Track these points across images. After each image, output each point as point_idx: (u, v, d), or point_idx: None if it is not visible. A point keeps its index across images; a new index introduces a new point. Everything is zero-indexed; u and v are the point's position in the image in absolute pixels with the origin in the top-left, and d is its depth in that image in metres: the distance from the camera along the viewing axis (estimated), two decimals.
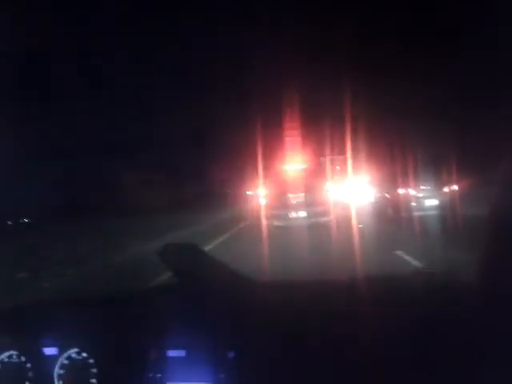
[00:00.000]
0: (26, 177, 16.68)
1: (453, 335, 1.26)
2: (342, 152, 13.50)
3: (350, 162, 13.74)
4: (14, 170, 15.00)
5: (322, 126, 11.78)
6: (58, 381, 1.51)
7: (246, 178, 20.19)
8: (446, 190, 13.55)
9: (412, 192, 13.98)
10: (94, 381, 1.48)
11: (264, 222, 12.97)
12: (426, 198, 13.66)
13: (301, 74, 9.10)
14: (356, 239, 8.87)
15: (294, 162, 13.93)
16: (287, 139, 13.93)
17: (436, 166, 13.37)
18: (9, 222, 18.26)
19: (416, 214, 13.03)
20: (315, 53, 7.80)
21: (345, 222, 12.02)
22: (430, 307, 1.37)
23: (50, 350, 1.54)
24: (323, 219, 12.50)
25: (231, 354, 1.36)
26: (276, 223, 12.85)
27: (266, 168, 13.65)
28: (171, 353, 1.42)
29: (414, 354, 1.25)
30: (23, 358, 1.55)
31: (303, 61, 8.32)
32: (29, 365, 1.54)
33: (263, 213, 13.26)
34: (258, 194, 14.53)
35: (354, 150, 13.28)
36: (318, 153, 14.09)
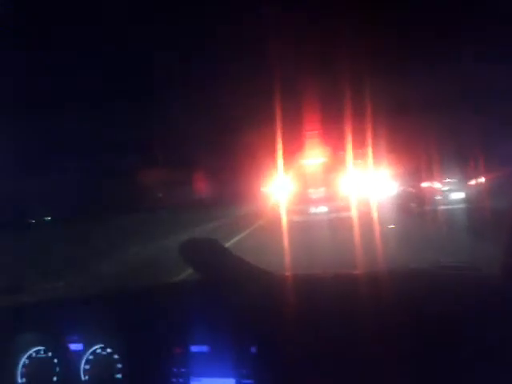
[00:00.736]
0: (43, 174, 16.87)
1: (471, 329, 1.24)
2: (363, 145, 13.08)
3: (371, 155, 13.34)
4: (30, 168, 15.28)
5: (341, 119, 11.48)
6: (84, 376, 1.54)
7: (261, 174, 19.95)
8: (472, 182, 13.24)
9: (437, 185, 13.71)
10: (118, 376, 1.50)
11: (284, 218, 12.56)
12: (451, 191, 13.38)
13: (319, 66, 8.96)
14: (379, 235, 8.67)
15: (313, 156, 13.56)
16: (306, 133, 13.53)
17: (461, 158, 13.10)
18: (32, 221, 18.58)
19: (442, 207, 12.79)
20: (334, 44, 7.68)
21: (366, 216, 11.51)
22: (452, 303, 1.34)
23: (75, 346, 1.57)
24: (344, 214, 12.09)
25: (253, 349, 1.36)
26: (296, 219, 12.50)
27: (284, 163, 13.19)
28: (194, 348, 1.43)
29: (440, 352, 1.22)
30: (50, 354, 1.59)
31: (322, 53, 8.20)
32: (56, 360, 1.57)
33: (282, 209, 12.95)
34: (276, 190, 14.21)
35: (376, 143, 12.93)
36: (338, 146, 13.56)
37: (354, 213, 11.99)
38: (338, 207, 12.37)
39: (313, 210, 12.65)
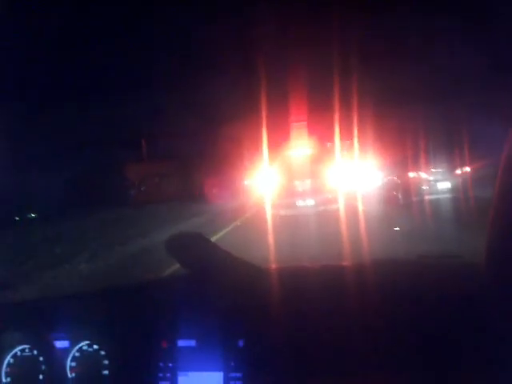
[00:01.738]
0: (31, 170, 16.68)
1: (456, 316, 1.25)
2: (349, 136, 12.82)
3: (357, 146, 13.14)
4: (19, 165, 15.10)
5: (327, 109, 11.35)
6: (71, 373, 1.52)
7: (245, 167, 19.48)
8: (458, 172, 13.35)
9: (423, 175, 13.79)
10: (105, 372, 1.49)
11: (269, 211, 12.03)
12: (438, 181, 13.46)
13: (305, 56, 8.89)
14: (366, 227, 8.63)
15: (298, 146, 13.01)
16: (291, 123, 13.07)
17: (447, 148, 13.18)
18: (16, 218, 18.36)
19: (428, 197, 12.87)
20: (321, 36, 7.64)
21: (353, 209, 11.34)
22: (436, 290, 1.35)
23: (61, 343, 1.55)
24: (332, 207, 11.75)
25: (241, 343, 1.36)
26: (282, 212, 12.00)
27: (269, 154, 12.59)
28: (181, 342, 1.43)
29: (424, 340, 1.23)
30: (36, 352, 1.57)
31: (308, 44, 8.14)
32: (41, 358, 1.55)
33: (268, 202, 12.40)
34: (261, 183, 13.53)
35: (362, 133, 12.77)
36: (324, 137, 13.29)
37: (341, 205, 11.68)
38: (326, 200, 12.01)
39: (299, 203, 12.20)
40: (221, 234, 10.33)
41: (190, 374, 1.40)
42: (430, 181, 13.59)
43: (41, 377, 1.54)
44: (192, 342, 1.42)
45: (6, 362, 1.58)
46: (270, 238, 8.04)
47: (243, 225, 12.47)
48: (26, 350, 1.58)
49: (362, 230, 8.30)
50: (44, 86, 9.61)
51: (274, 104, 11.14)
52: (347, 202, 11.76)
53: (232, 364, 1.35)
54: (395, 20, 7.26)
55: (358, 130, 12.10)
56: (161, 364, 1.42)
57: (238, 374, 1.34)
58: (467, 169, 13.06)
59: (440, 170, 13.53)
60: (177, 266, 1.62)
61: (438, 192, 13.17)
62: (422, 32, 7.97)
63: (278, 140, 12.90)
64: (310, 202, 12.10)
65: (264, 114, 10.37)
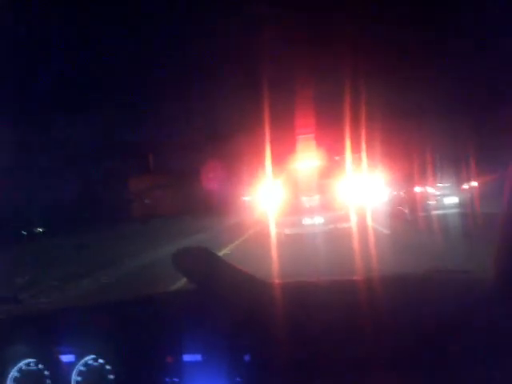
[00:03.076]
0: (33, 186, 16.79)
1: (467, 331, 1.23)
2: (357, 150, 12.41)
3: (365, 160, 12.83)
4: (25, 179, 15.22)
5: (334, 122, 11.26)
6: None
7: (245, 182, 18.90)
8: (465, 187, 13.27)
9: (430, 190, 13.72)
10: None
11: (273, 230, 11.20)
12: (444, 195, 13.37)
13: (314, 68, 8.89)
14: (375, 243, 8.39)
15: (305, 160, 11.91)
16: (298, 136, 12.42)
17: (454, 163, 13.12)
18: (23, 232, 18.44)
19: (435, 212, 12.79)
20: (329, 48, 7.68)
21: (364, 226, 10.83)
22: (444, 305, 1.34)
23: (67, 357, 1.54)
24: (342, 225, 10.73)
25: (247, 358, 1.35)
26: (287, 231, 11.12)
27: (274, 168, 11.70)
28: (187, 357, 1.42)
29: (432, 355, 1.22)
30: (41, 366, 1.56)
31: (316, 56, 8.16)
32: (47, 372, 1.55)
33: (272, 219, 11.42)
34: (264, 199, 12.41)
35: (369, 147, 12.56)
36: (331, 151, 12.46)
37: (353, 224, 10.73)
38: (336, 217, 10.89)
39: (307, 221, 11.07)
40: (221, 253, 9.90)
41: None
42: (436, 196, 13.50)
43: None
44: (198, 357, 1.41)
45: (10, 376, 1.58)
46: (274, 260, 7.58)
47: (244, 244, 11.72)
48: (32, 364, 1.58)
49: (371, 246, 8.01)
50: (51, 101, 9.73)
51: (280, 116, 11.04)
52: (358, 219, 11.02)
53: (238, 379, 1.34)
54: (405, 34, 7.30)
55: (365, 143, 11.86)
56: (166, 379, 1.41)
57: None
58: (474, 183, 12.99)
59: (447, 185, 13.44)
60: (183, 280, 1.61)
61: (444, 207, 13.08)
62: (431, 46, 8.01)
63: (284, 153, 12.25)
64: (319, 219, 11.02)
65: (269, 125, 10.24)
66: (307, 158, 11.93)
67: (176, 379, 1.40)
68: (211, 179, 20.60)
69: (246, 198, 21.20)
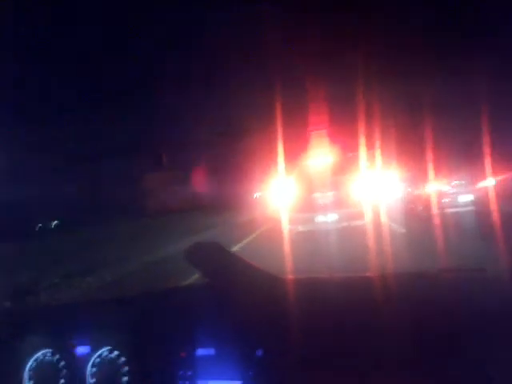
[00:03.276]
0: (52, 179, 16.96)
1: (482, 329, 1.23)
2: (371, 146, 12.15)
3: (379, 157, 12.58)
4: (39, 174, 15.39)
5: (348, 118, 11.08)
6: (91, 378, 1.54)
7: (256, 178, 18.66)
8: (480, 184, 13.08)
9: (444, 188, 13.56)
10: (125, 378, 1.50)
11: (285, 227, 10.95)
12: (459, 193, 13.21)
13: (326, 61, 8.77)
14: (389, 241, 8.23)
15: (319, 156, 11.70)
16: (311, 131, 12.17)
17: (470, 160, 12.94)
18: (39, 225, 18.67)
19: (449, 210, 12.65)
20: (343, 43, 7.60)
21: (378, 223, 10.38)
22: (458, 304, 1.34)
23: (82, 349, 1.57)
24: (356, 223, 10.49)
25: (259, 352, 1.36)
26: (300, 228, 10.90)
27: (286, 164, 11.46)
28: (200, 351, 1.43)
29: (445, 355, 1.22)
30: (57, 357, 1.59)
31: (329, 51, 8.06)
32: (62, 363, 1.58)
33: (284, 216, 11.18)
34: (275, 195, 12.19)
35: (383, 143, 12.32)
36: (345, 147, 12.04)
37: (368, 221, 10.44)
38: (350, 215, 10.67)
39: (320, 218, 10.88)
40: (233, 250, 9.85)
41: (209, 382, 1.41)
42: (451, 193, 13.34)
43: (62, 381, 1.56)
44: (211, 351, 1.42)
45: (28, 366, 1.61)
46: (286, 259, 7.44)
47: (254, 243, 11.55)
48: (48, 355, 1.61)
49: (386, 245, 7.87)
50: (66, 97, 9.83)
51: (293, 111, 10.90)
52: (372, 216, 10.70)
53: (250, 373, 1.35)
54: (420, 31, 7.22)
55: (379, 140, 11.67)
56: (180, 372, 1.43)
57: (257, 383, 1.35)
58: (490, 181, 12.79)
59: (462, 182, 13.28)
60: (196, 276, 1.63)
61: (459, 205, 12.92)
62: (446, 42, 7.91)
63: (296, 149, 12.02)
64: (333, 217, 10.82)
65: (282, 121, 10.11)
66: (320, 154, 11.71)
67: (189, 372, 1.42)
68: (223, 176, 20.57)
69: (257, 195, 21.08)
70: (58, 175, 17.10)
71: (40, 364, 1.61)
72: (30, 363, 1.62)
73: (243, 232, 13.11)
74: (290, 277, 1.76)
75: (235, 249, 9.67)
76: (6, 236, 12.84)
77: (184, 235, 11.43)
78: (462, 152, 13.16)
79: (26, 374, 1.62)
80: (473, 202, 12.74)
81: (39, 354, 1.62)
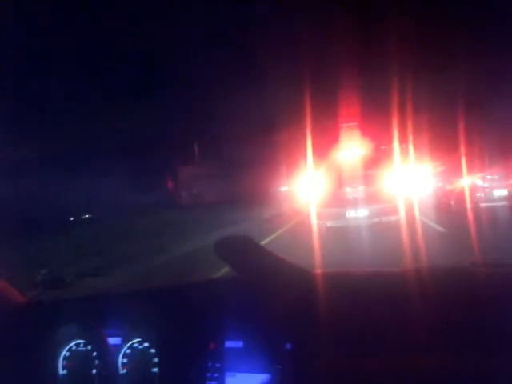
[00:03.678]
0: (83, 174, 17.33)
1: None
2: (404, 140, 11.68)
3: (412, 151, 12.18)
4: (75, 167, 15.76)
5: (379, 110, 10.89)
6: (122, 369, 1.57)
7: (288, 172, 18.44)
8: None
9: (478, 182, 13.27)
10: (155, 369, 1.53)
11: (314, 222, 10.63)
12: (493, 188, 12.91)
13: (359, 56, 8.66)
14: (421, 235, 8.02)
15: (349, 149, 11.29)
16: (342, 124, 11.71)
17: (504, 154, 12.65)
18: (71, 218, 19.06)
19: (483, 205, 12.39)
20: (376, 35, 7.50)
21: (412, 219, 10.09)
22: (491, 300, 1.30)
23: (114, 340, 1.60)
24: (389, 218, 10.09)
25: (288, 346, 1.35)
26: (330, 224, 10.61)
27: (316, 157, 11.09)
28: (229, 344, 1.44)
29: (477, 352, 1.19)
30: (89, 347, 1.63)
31: (362, 44, 7.97)
32: (95, 353, 1.61)
33: (312, 211, 10.83)
34: (304, 189, 11.75)
35: (416, 137, 11.95)
36: (376, 140, 11.64)
37: (402, 217, 10.02)
38: (382, 210, 10.28)
39: (350, 213, 10.56)
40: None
41: (238, 374, 1.41)
42: (485, 188, 13.05)
43: (94, 371, 1.60)
44: (240, 344, 1.43)
45: (62, 355, 1.66)
46: (316, 255, 7.24)
47: (282, 237, 11.44)
48: (81, 345, 1.65)
49: (420, 241, 7.66)
50: (103, 89, 10.04)
51: (325, 104, 10.75)
52: (406, 212, 10.33)
53: (279, 366, 1.35)
54: (460, 26, 7.08)
55: (412, 133, 11.33)
56: (209, 364, 1.44)
57: (285, 377, 1.34)
58: None
59: (496, 177, 12.98)
60: (226, 268, 1.63)
61: (493, 199, 12.64)
62: (479, 36, 7.73)
63: (327, 142, 11.68)
64: (363, 212, 10.45)
65: (313, 114, 9.98)
66: (351, 147, 11.35)
67: (218, 364, 1.43)
68: (253, 170, 20.55)
69: (286, 189, 20.95)
70: (93, 169, 17.49)
71: (73, 354, 1.66)
72: (63, 353, 1.66)
73: (272, 226, 13.13)
74: (320, 271, 1.75)
75: (264, 243, 9.55)
76: (40, 228, 13.21)
77: (213, 229, 11.53)
78: (496, 147, 12.85)
79: (59, 363, 1.66)
80: (507, 197, 12.46)
81: (72, 344, 1.66)
